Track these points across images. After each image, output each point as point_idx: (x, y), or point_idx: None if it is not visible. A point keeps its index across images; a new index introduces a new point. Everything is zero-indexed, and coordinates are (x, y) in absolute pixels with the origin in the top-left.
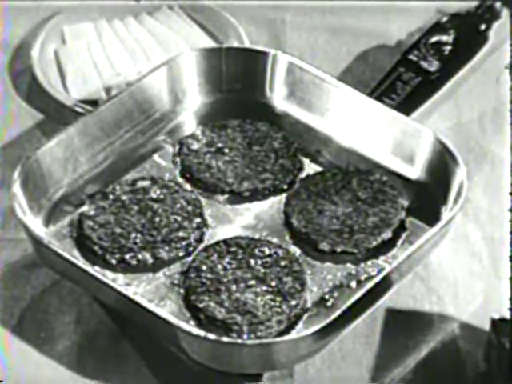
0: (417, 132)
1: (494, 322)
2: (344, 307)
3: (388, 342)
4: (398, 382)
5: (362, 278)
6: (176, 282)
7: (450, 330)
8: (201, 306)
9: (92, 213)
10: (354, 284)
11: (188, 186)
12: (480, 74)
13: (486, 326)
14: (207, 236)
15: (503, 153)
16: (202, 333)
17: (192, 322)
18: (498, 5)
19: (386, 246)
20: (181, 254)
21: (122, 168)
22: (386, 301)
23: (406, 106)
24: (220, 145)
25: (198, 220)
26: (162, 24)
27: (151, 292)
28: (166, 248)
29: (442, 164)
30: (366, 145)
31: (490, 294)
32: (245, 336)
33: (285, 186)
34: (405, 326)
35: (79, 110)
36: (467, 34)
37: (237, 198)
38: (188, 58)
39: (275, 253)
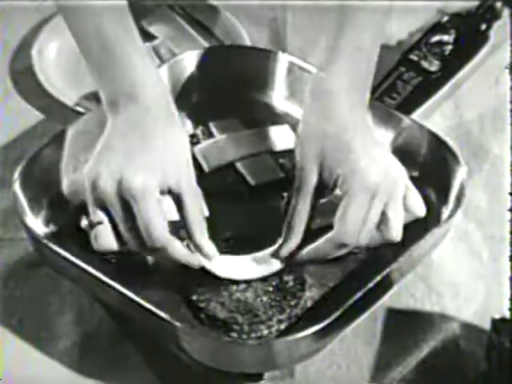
0: (417, 131)
1: (494, 321)
2: (344, 307)
3: (388, 342)
4: (398, 381)
5: (363, 277)
6: (176, 281)
7: (450, 330)
8: (201, 305)
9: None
10: (355, 283)
11: None
12: (480, 74)
13: (487, 326)
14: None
15: (503, 153)
16: (202, 332)
17: (193, 322)
18: (498, 5)
19: (387, 246)
20: None
21: None
22: (386, 300)
23: (407, 106)
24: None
25: None
26: (163, 24)
27: (152, 291)
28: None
29: (443, 163)
30: None
31: (491, 293)
32: (245, 336)
33: (285, 186)
34: (405, 326)
35: (80, 109)
36: (468, 34)
37: (237, 197)
38: (188, 58)
39: None
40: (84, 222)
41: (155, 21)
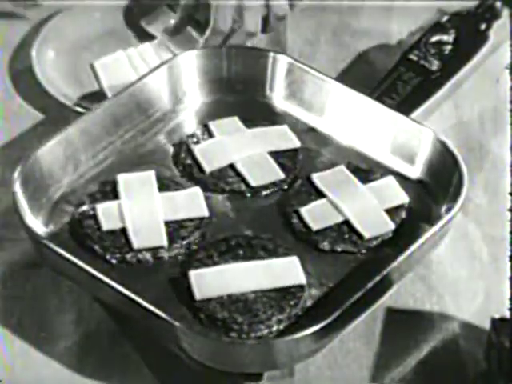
0: (417, 131)
1: (494, 321)
2: (344, 307)
3: (388, 342)
4: (398, 381)
5: (363, 277)
6: (176, 281)
7: (450, 330)
8: (201, 305)
9: (92, 212)
10: (355, 283)
11: (188, 186)
12: (480, 74)
13: (487, 326)
14: (208, 235)
15: (503, 153)
16: (202, 332)
17: (192, 322)
18: (498, 4)
19: (387, 246)
20: (181, 253)
21: (122, 168)
22: (386, 300)
23: (407, 106)
24: None
25: (199, 219)
26: (162, 24)
27: (151, 291)
28: (167, 247)
29: (443, 163)
30: (366, 144)
31: (490, 293)
32: (245, 335)
33: (285, 186)
34: (405, 326)
35: (79, 109)
36: (468, 34)
37: (237, 197)
38: (188, 58)
39: (275, 252)
40: None
41: (155, 21)
